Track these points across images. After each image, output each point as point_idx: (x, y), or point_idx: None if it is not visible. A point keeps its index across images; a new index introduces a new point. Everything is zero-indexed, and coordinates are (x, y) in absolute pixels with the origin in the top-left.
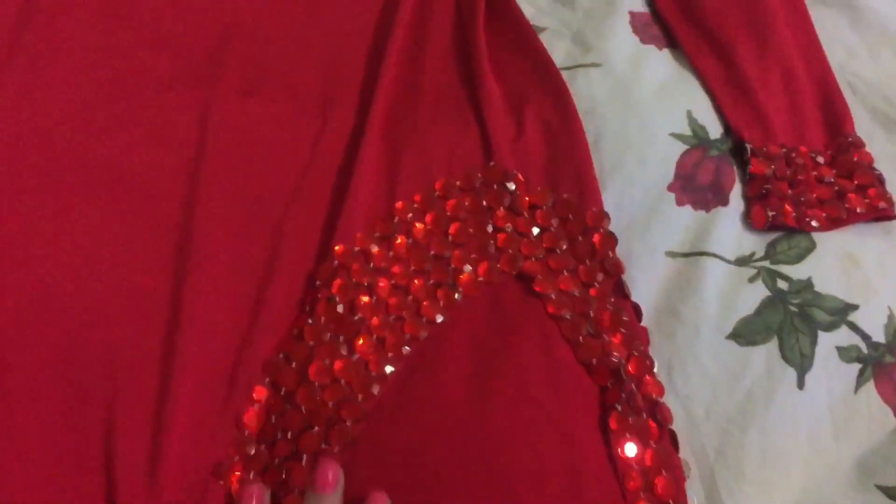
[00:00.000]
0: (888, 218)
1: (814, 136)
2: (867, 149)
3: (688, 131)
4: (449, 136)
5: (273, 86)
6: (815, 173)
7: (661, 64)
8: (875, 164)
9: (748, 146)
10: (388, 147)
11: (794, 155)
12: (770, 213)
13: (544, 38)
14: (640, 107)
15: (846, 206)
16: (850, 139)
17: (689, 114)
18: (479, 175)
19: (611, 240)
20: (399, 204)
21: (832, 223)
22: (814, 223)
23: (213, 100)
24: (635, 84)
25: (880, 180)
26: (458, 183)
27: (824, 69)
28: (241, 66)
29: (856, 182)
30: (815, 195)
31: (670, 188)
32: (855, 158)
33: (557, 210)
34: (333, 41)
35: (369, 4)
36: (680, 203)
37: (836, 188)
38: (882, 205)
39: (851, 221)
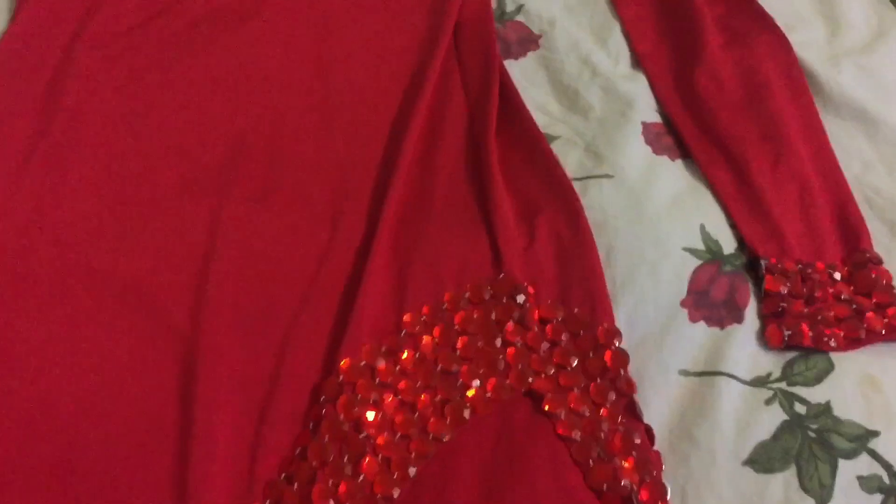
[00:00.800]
0: None
1: (830, 251)
2: (885, 265)
3: (701, 246)
4: (459, 246)
5: (284, 194)
6: (832, 290)
7: (673, 175)
8: (894, 282)
9: (763, 262)
10: (398, 257)
11: (810, 271)
12: (786, 333)
13: (556, 148)
14: (653, 220)
15: (864, 325)
16: (867, 255)
17: (702, 227)
18: (489, 287)
19: (623, 357)
20: (407, 316)
21: (850, 343)
22: (832, 343)
23: (223, 208)
24: (648, 196)
25: None
26: (467, 295)
27: (840, 182)
28: (252, 173)
29: (874, 300)
30: (832, 313)
31: (683, 304)
32: (873, 275)
33: (568, 325)
34: (345, 150)
35: (382, 113)
36: (693, 319)
37: (854, 306)
38: None
39: (870, 342)
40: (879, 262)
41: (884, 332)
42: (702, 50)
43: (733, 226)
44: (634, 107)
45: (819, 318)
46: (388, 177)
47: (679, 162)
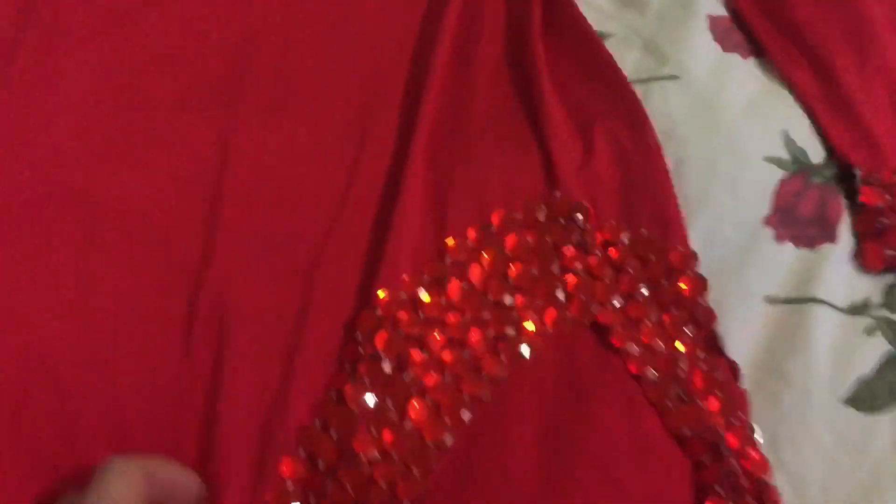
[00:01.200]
0: None
1: None
2: None
3: (785, 155)
4: (505, 161)
5: (303, 105)
6: None
7: (748, 76)
8: None
9: (857, 172)
10: (436, 175)
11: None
12: (888, 253)
13: (610, 46)
14: (728, 126)
15: None
16: None
17: (785, 134)
18: (543, 206)
19: (700, 284)
20: (451, 241)
21: None
22: None
23: (233, 122)
24: (721, 100)
25: None
26: (518, 216)
27: None
28: (265, 81)
29: None
30: None
31: (768, 222)
32: None
33: (635, 248)
34: (371, 52)
35: (410, 12)
36: (780, 239)
37: None
38: None
39: None
40: None
41: None
42: None
43: (820, 132)
44: None
45: None
46: (420, 84)
47: (752, 60)
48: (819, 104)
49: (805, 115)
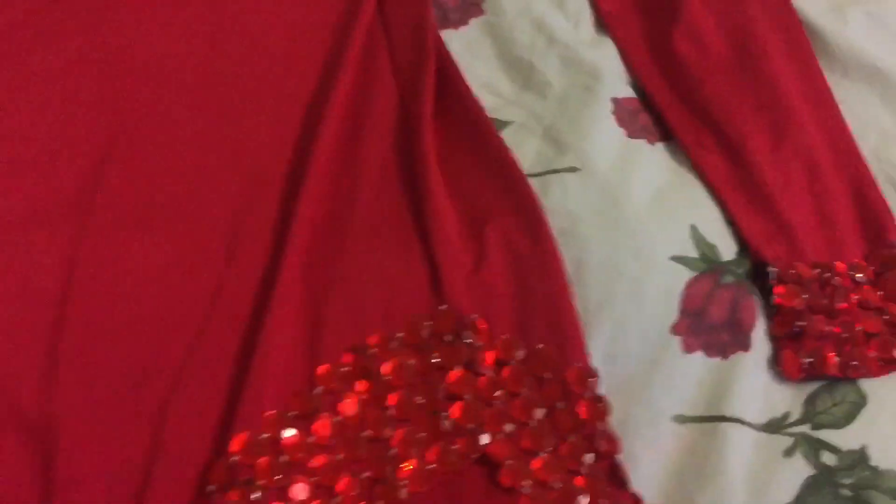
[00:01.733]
0: None
1: (851, 247)
2: None
3: (693, 252)
4: (388, 270)
5: (166, 217)
6: (856, 297)
7: (654, 163)
8: None
9: (771, 269)
10: (311, 290)
11: (828, 275)
12: (806, 360)
13: (508, 136)
14: (632, 223)
15: None
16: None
17: (693, 230)
18: (428, 323)
19: (601, 408)
20: (322, 368)
21: (885, 367)
22: (862, 369)
23: (83, 239)
24: (624, 193)
25: None
26: (399, 336)
27: (855, 159)
28: (123, 190)
29: None
30: (859, 327)
31: (675, 330)
32: None
33: (531, 366)
34: (246, 153)
35: (291, 105)
36: (689, 349)
37: (887, 317)
38: None
39: None
40: None
41: None
42: (679, 5)
43: (732, 223)
44: (602, 79)
45: (845, 336)
46: (299, 185)
47: (660, 146)
48: (730, 192)
49: (716, 205)
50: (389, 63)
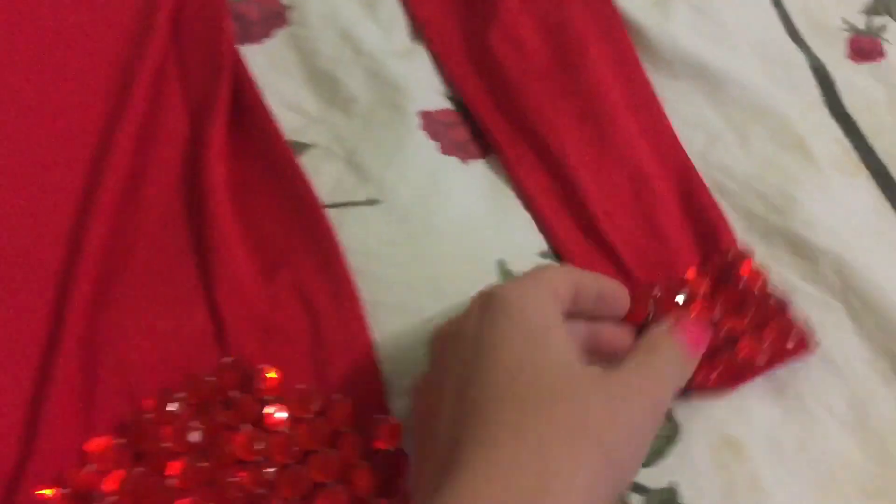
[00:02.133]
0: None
1: (684, 258)
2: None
3: None
4: (164, 326)
5: None
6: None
7: (464, 188)
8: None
9: None
10: (87, 352)
11: (660, 294)
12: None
13: (310, 161)
14: (433, 259)
15: (740, 356)
16: (729, 256)
17: (500, 265)
18: (211, 377)
19: (404, 463)
20: (95, 443)
21: (726, 382)
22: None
23: None
24: (427, 226)
25: (780, 308)
26: (180, 396)
27: (683, 166)
28: None
29: (747, 319)
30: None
31: None
32: (741, 284)
33: (331, 420)
34: (14, 201)
35: (71, 142)
36: None
37: (724, 332)
38: (790, 344)
39: (752, 377)
40: (746, 257)
41: (767, 358)
42: (496, 5)
43: (546, 255)
44: (408, 93)
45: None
46: (80, 235)
47: (474, 165)
48: (553, 215)
49: (529, 235)
50: (181, 91)
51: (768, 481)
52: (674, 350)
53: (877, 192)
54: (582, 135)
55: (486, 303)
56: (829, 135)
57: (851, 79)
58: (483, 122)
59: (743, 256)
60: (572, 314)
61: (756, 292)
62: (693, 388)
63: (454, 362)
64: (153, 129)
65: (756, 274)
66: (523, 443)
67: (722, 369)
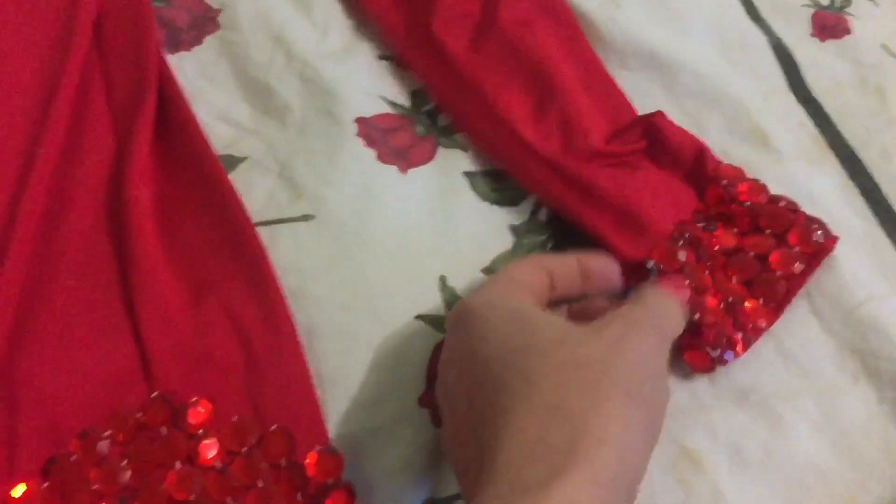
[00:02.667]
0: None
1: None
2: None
3: (443, 309)
4: (86, 362)
5: None
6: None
7: (403, 199)
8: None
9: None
10: (6, 392)
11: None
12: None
13: (241, 175)
14: (370, 277)
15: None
16: (723, 181)
17: (442, 281)
18: (138, 413)
19: (347, 496)
20: (18, 490)
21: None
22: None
23: None
24: (363, 242)
25: (793, 209)
26: (106, 433)
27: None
28: None
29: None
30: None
31: (424, 401)
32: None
33: (267, 454)
34: None
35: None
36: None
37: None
38: (820, 239)
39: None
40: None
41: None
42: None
43: (488, 271)
44: (343, 100)
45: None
46: None
47: (417, 172)
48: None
49: (473, 247)
50: (105, 103)
51: (732, 496)
52: (658, 292)
53: (844, 180)
54: (542, 132)
55: (457, 321)
56: (792, 120)
57: (816, 58)
58: (445, 106)
59: (734, 174)
60: (560, 299)
61: (766, 203)
62: (750, 335)
63: (458, 387)
64: (77, 145)
65: (756, 186)
66: (543, 419)
67: (764, 298)
